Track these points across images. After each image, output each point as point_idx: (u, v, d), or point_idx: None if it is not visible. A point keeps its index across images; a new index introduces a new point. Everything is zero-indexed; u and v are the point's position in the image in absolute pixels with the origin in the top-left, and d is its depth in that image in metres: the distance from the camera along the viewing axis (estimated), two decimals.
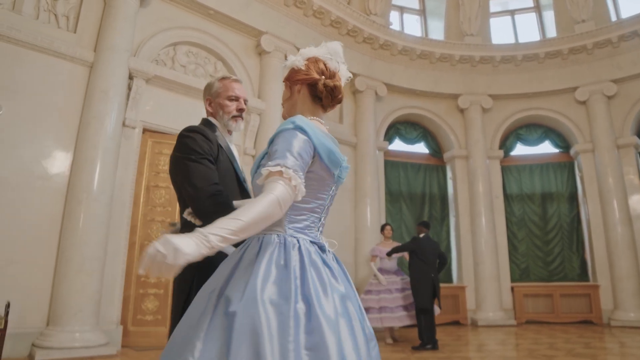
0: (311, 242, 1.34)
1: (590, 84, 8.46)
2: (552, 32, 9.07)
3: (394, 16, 9.13)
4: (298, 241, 1.31)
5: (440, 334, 6.23)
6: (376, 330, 6.03)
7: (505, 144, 9.18)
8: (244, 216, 1.15)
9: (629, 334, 6.71)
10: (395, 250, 6.05)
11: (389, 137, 8.87)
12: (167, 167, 5.78)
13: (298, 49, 7.03)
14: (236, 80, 1.97)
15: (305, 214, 1.37)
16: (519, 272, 8.68)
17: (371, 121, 8.20)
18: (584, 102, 8.61)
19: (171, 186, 5.68)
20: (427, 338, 5.45)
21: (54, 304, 4.49)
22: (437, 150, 9.37)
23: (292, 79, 1.51)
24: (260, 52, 6.84)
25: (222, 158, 1.75)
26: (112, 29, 5.14)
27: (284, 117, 1.51)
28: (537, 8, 9.51)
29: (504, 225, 8.72)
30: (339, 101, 1.52)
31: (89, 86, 5.03)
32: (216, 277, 1.30)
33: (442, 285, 5.99)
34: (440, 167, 9.33)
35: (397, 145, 9.11)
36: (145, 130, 5.62)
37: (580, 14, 8.45)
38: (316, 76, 1.47)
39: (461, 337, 6.63)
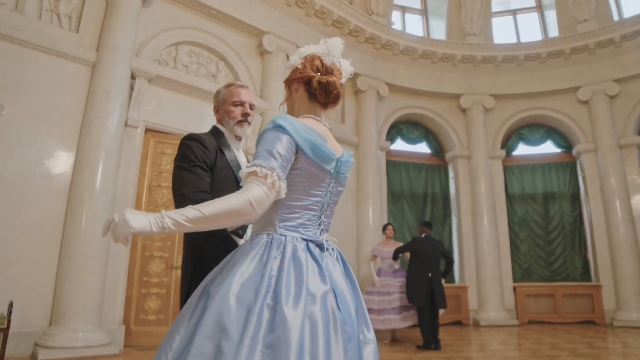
0: (304, 239, 1.33)
1: (592, 84, 8.45)
2: (554, 31, 9.06)
3: (395, 16, 9.12)
4: (285, 239, 1.31)
5: (443, 334, 6.23)
6: (378, 331, 6.03)
7: (507, 144, 9.17)
8: (205, 209, 1.19)
9: (631, 334, 6.70)
10: (397, 252, 6.04)
11: (390, 137, 8.87)
12: (169, 167, 5.82)
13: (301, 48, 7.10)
14: (241, 86, 2.00)
15: (297, 212, 1.36)
16: (521, 272, 8.67)
17: (373, 121, 8.20)
18: (586, 102, 8.59)
19: None
20: (426, 337, 5.44)
21: (57, 304, 4.49)
22: (439, 150, 9.36)
23: (290, 78, 1.53)
24: (262, 52, 6.84)
25: (221, 164, 1.78)
26: (114, 29, 5.14)
27: None
28: (539, 8, 9.50)
29: (506, 225, 8.71)
30: (336, 97, 1.49)
31: (92, 86, 5.04)
32: (209, 275, 1.35)
33: (444, 285, 5.94)
34: (442, 167, 9.32)
35: (399, 145, 9.11)
36: (147, 130, 5.63)
37: (583, 14, 8.44)
38: (311, 73, 1.47)
39: (463, 337, 6.62)
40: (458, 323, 8.01)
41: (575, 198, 8.86)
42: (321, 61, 1.48)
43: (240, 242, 1.70)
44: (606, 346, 5.85)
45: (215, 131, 1.93)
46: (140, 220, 1.15)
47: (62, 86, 4.90)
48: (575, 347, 5.55)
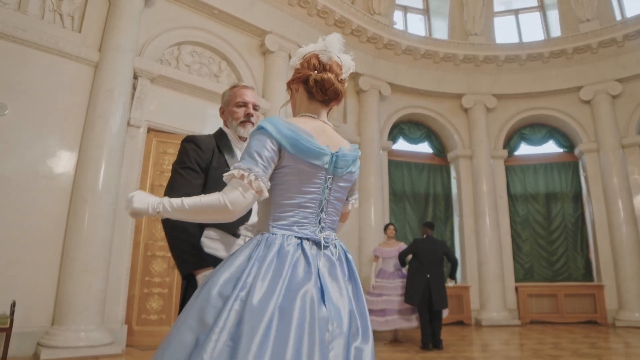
0: (297, 237, 1.33)
1: (594, 84, 8.43)
2: (556, 31, 9.05)
3: (397, 16, 9.11)
4: (276, 237, 1.32)
5: (444, 334, 6.21)
6: (379, 332, 5.98)
7: (509, 144, 9.16)
8: (187, 202, 1.29)
9: (634, 334, 6.69)
10: (401, 256, 6.02)
11: (392, 137, 8.86)
12: (171, 167, 5.80)
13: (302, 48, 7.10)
14: (245, 87, 2.02)
15: (291, 210, 1.36)
16: (523, 272, 8.65)
17: (375, 121, 8.19)
18: (588, 102, 8.58)
19: None
20: (424, 337, 5.43)
21: (59, 303, 4.50)
22: (440, 150, 9.35)
23: (290, 79, 1.55)
24: (265, 52, 6.84)
25: (217, 165, 1.80)
26: (117, 29, 5.15)
27: None
28: (541, 7, 9.48)
29: (508, 225, 8.71)
30: (335, 93, 1.48)
31: (94, 86, 5.04)
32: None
33: (454, 285, 5.90)
34: (444, 167, 9.31)
35: (401, 144, 9.10)
36: (149, 130, 5.63)
37: (585, 13, 8.42)
38: (308, 72, 1.47)
39: (465, 337, 6.62)
40: (460, 323, 8.00)
41: (577, 198, 8.84)
42: (318, 59, 1.48)
43: (238, 241, 1.75)
44: (609, 346, 5.84)
45: (219, 132, 1.97)
46: (141, 202, 1.31)
47: (65, 86, 4.91)
48: (578, 347, 5.54)
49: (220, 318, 1.16)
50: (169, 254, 5.47)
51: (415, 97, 8.96)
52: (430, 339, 5.43)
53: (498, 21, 9.45)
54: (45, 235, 4.59)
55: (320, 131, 1.44)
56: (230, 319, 1.15)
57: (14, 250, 4.38)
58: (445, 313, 5.78)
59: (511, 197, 8.97)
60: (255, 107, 1.98)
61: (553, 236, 8.77)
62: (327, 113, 1.54)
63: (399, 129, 9.06)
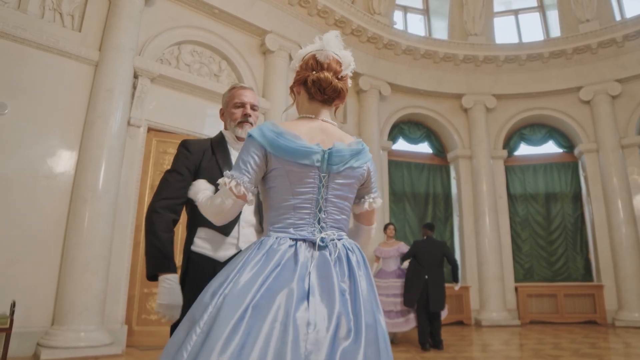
0: (292, 239, 1.32)
1: (594, 84, 8.44)
2: (555, 31, 9.06)
3: (397, 16, 9.11)
4: (269, 239, 1.33)
5: (445, 334, 6.21)
6: None
7: (509, 144, 9.17)
8: (200, 196, 1.55)
9: (633, 334, 6.70)
10: (403, 260, 6.02)
11: (392, 137, 8.86)
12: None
13: (302, 48, 7.10)
14: (243, 87, 2.02)
15: (286, 213, 1.36)
16: (523, 272, 8.66)
17: (375, 121, 8.19)
18: (588, 102, 8.59)
19: None
20: (421, 337, 5.43)
21: (59, 303, 4.48)
22: (440, 150, 9.36)
23: (292, 83, 1.54)
24: (265, 52, 6.83)
25: (207, 166, 1.83)
26: (117, 28, 5.13)
27: None
28: (541, 8, 9.49)
29: (508, 225, 8.71)
30: (334, 92, 1.46)
31: (94, 85, 5.02)
32: None
33: (446, 285, 5.87)
34: (444, 167, 9.31)
35: (401, 145, 9.10)
36: (149, 130, 5.62)
37: (585, 14, 8.43)
38: (306, 73, 1.47)
39: (465, 337, 6.62)
40: (460, 323, 8.00)
41: (577, 198, 8.85)
42: (315, 59, 1.47)
43: (228, 240, 1.78)
44: (609, 346, 5.85)
45: (218, 135, 2.00)
46: (193, 186, 1.66)
47: (65, 85, 4.89)
48: (578, 347, 5.55)
49: (205, 312, 1.20)
50: None
51: (415, 97, 8.96)
52: (428, 339, 5.43)
53: (498, 21, 9.46)
54: (45, 235, 4.57)
55: (318, 130, 1.42)
56: (212, 313, 1.18)
57: (14, 250, 4.37)
58: (444, 314, 5.76)
59: (511, 197, 8.98)
60: (253, 107, 1.98)
61: (553, 236, 8.78)
62: (334, 111, 1.53)
63: (398, 129, 9.06)
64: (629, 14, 8.37)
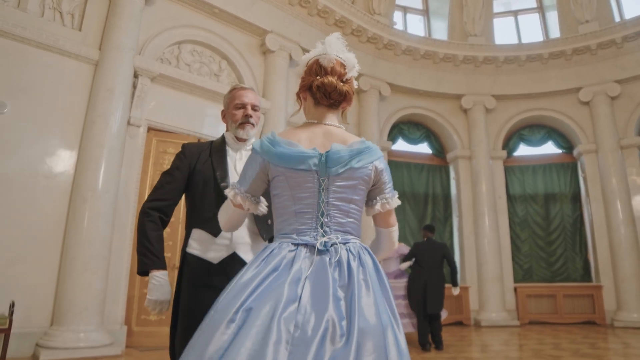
0: (294, 244, 1.33)
1: (593, 85, 8.46)
2: (555, 32, 9.07)
3: (397, 16, 9.11)
4: (272, 245, 1.37)
5: (444, 335, 6.21)
6: None
7: (509, 145, 9.18)
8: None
9: (632, 334, 6.71)
10: (404, 260, 6.00)
11: (392, 137, 8.86)
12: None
13: (302, 49, 7.12)
14: (243, 88, 2.00)
15: (289, 218, 1.38)
16: (522, 273, 8.67)
17: (375, 121, 8.18)
18: (587, 103, 8.61)
19: None
20: (420, 338, 5.42)
21: (59, 303, 4.46)
22: (440, 150, 9.36)
23: (298, 90, 1.54)
24: (265, 51, 6.81)
25: (201, 167, 1.86)
26: (117, 28, 5.11)
27: None
28: (541, 8, 9.51)
29: (507, 226, 8.72)
30: (339, 96, 1.45)
31: (94, 84, 5.00)
32: None
33: (445, 285, 5.86)
34: (444, 168, 9.31)
35: (400, 145, 9.10)
36: (149, 129, 5.60)
37: (584, 15, 8.45)
38: (311, 79, 1.47)
39: (465, 338, 6.62)
40: (459, 323, 8.00)
41: (576, 199, 8.87)
42: (318, 64, 1.46)
43: (217, 240, 1.80)
44: (609, 347, 5.86)
45: (221, 137, 2.01)
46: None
47: (65, 85, 4.87)
48: (578, 347, 5.55)
49: (207, 314, 1.26)
50: (169, 254, 5.48)
51: (415, 97, 8.96)
52: (428, 339, 5.42)
53: (497, 22, 9.47)
54: (44, 235, 4.55)
55: (321, 135, 1.42)
56: (210, 315, 1.24)
57: (13, 249, 4.34)
58: (444, 314, 5.76)
59: (510, 197, 8.99)
60: (254, 108, 1.97)
61: (552, 237, 8.80)
62: (342, 114, 1.53)
63: (398, 129, 9.06)
64: (628, 15, 8.39)
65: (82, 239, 4.55)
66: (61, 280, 4.52)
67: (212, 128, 6.07)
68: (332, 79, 1.43)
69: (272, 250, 1.34)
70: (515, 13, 9.66)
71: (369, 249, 1.41)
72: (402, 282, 5.96)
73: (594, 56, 8.46)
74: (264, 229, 1.85)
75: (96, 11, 5.20)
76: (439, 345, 5.44)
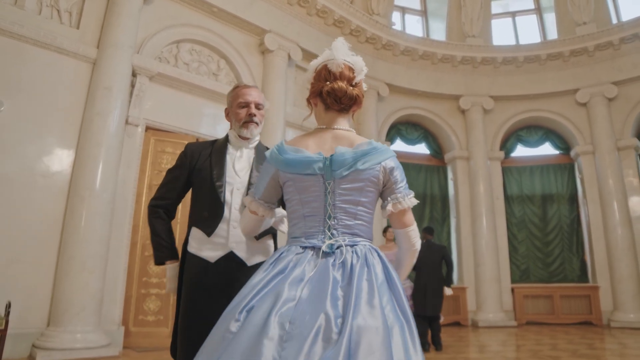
0: (302, 247, 1.37)
1: (591, 86, 8.49)
2: (552, 34, 9.11)
3: (395, 17, 9.11)
4: (282, 248, 1.41)
5: (442, 335, 6.18)
6: None
7: (506, 145, 9.20)
8: None
9: (629, 335, 6.74)
10: None
11: (390, 138, 8.86)
12: (169, 166, 5.74)
13: (301, 48, 7.11)
14: (247, 86, 1.99)
15: (298, 222, 1.43)
16: (519, 273, 8.69)
17: (373, 121, 8.18)
18: (584, 104, 8.64)
19: None
20: (421, 338, 5.40)
21: (55, 304, 4.41)
22: (438, 151, 9.37)
23: (308, 95, 1.56)
24: (264, 51, 6.79)
25: (200, 166, 1.88)
26: (115, 26, 5.07)
27: None
28: (538, 10, 9.55)
29: (505, 227, 8.74)
30: (349, 100, 1.47)
31: (92, 83, 4.96)
32: None
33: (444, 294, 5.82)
34: (441, 168, 9.32)
35: (398, 145, 9.09)
36: (147, 128, 5.56)
37: (582, 16, 8.49)
38: (320, 84, 1.48)
39: (463, 338, 6.62)
40: (457, 324, 8.01)
41: (573, 200, 8.90)
42: (327, 69, 1.47)
43: (211, 239, 1.83)
44: (606, 347, 5.88)
45: (225, 136, 2.00)
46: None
47: (63, 83, 4.83)
48: (576, 347, 5.56)
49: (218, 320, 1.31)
50: None
51: (413, 98, 8.97)
52: (427, 340, 5.42)
53: (495, 23, 9.49)
54: (41, 234, 4.51)
55: (330, 139, 1.44)
56: (222, 315, 1.30)
57: (9, 249, 4.29)
58: (441, 317, 5.75)
59: (507, 198, 9.01)
60: (258, 107, 1.95)
61: (549, 237, 8.82)
62: (352, 116, 1.54)
63: (396, 130, 9.06)
64: (625, 17, 8.44)
65: (79, 238, 4.51)
66: (58, 280, 4.48)
67: (211, 127, 6.04)
68: (341, 84, 1.45)
69: (281, 254, 1.38)
70: (513, 14, 9.69)
71: (379, 250, 1.41)
72: (406, 283, 5.94)
73: (591, 58, 8.49)
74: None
75: (94, 9, 5.16)
76: (438, 346, 5.44)
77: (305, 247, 1.36)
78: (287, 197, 1.46)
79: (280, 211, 1.74)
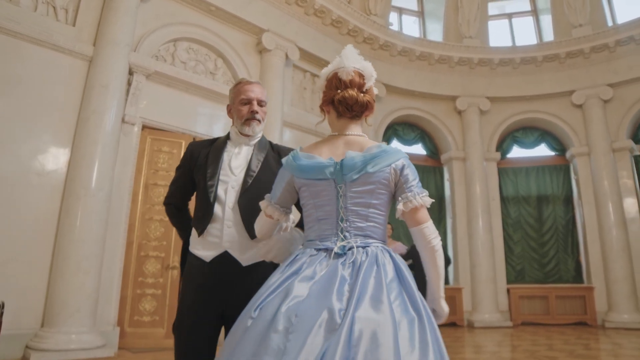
0: (316, 249, 1.42)
1: (586, 88, 8.54)
2: (549, 35, 9.15)
3: (392, 17, 9.11)
4: (298, 251, 1.47)
5: None
6: None
7: (502, 146, 9.23)
8: None
9: (624, 335, 6.78)
10: None
11: (386, 138, 8.86)
12: (165, 165, 5.71)
13: (299, 48, 7.08)
14: (249, 82, 1.94)
15: (313, 226, 1.49)
16: (515, 274, 8.72)
17: (370, 122, 8.14)
18: (580, 106, 8.69)
19: None
20: None
21: (50, 304, 4.35)
22: (434, 151, 9.38)
23: (320, 103, 1.62)
24: (261, 50, 6.76)
25: (200, 164, 1.87)
26: (112, 23, 5.02)
27: None
28: (535, 12, 9.59)
29: (500, 227, 8.77)
30: (361, 107, 1.52)
31: (88, 81, 4.90)
32: None
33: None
34: (438, 169, 9.34)
35: (395, 146, 9.06)
36: (144, 127, 5.50)
37: (578, 19, 8.53)
38: (332, 93, 1.54)
39: (459, 339, 6.63)
40: (453, 324, 8.02)
41: (568, 201, 8.95)
42: (337, 78, 1.53)
43: (204, 237, 1.83)
44: (602, 347, 5.90)
45: (227, 134, 1.97)
46: None
47: (58, 81, 4.76)
48: (572, 348, 5.59)
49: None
50: (163, 254, 5.40)
51: (410, 98, 8.97)
52: None
53: (492, 25, 9.52)
54: (35, 234, 4.44)
55: (342, 145, 1.50)
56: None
57: (3, 249, 4.23)
58: None
59: (503, 199, 9.04)
60: (260, 103, 1.91)
61: (544, 238, 8.86)
62: (365, 120, 1.60)
63: (393, 130, 9.06)
64: (621, 20, 8.49)
65: (74, 237, 4.46)
66: (52, 280, 4.42)
67: (207, 127, 6.01)
68: (352, 92, 1.51)
69: (297, 256, 1.44)
70: (509, 16, 9.72)
71: (391, 251, 1.44)
72: None
73: (587, 60, 8.54)
74: (252, 229, 1.80)
75: (91, 6, 5.10)
76: None
77: (319, 249, 1.42)
78: (302, 202, 1.53)
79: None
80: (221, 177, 1.81)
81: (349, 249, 1.38)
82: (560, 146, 9.13)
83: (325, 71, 1.60)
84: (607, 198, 8.04)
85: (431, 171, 9.28)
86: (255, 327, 1.25)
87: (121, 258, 5.07)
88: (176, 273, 5.36)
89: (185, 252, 1.87)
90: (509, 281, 8.55)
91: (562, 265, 8.70)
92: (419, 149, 9.35)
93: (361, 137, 1.55)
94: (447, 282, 8.51)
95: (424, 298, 1.30)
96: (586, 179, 8.49)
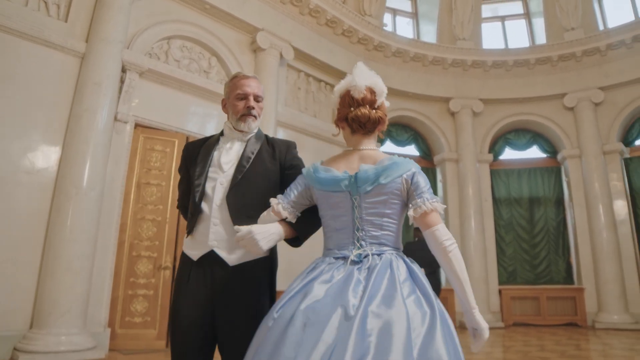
0: (335, 257, 1.50)
1: (578, 91, 8.63)
2: (541, 39, 9.23)
3: (386, 18, 9.12)
4: (317, 259, 1.55)
5: None
6: None
7: (495, 148, 9.29)
8: None
9: (613, 335, 6.85)
10: None
11: (379, 139, 8.85)
12: (158, 164, 5.65)
13: (293, 47, 7.05)
14: (245, 77, 1.87)
15: (331, 235, 1.58)
16: (506, 275, 8.78)
17: None
18: (571, 109, 8.77)
19: (163, 184, 5.45)
20: None
21: (39, 305, 4.27)
22: (427, 152, 9.41)
23: (335, 119, 1.71)
24: (255, 49, 6.72)
25: (194, 162, 1.84)
26: (105, 20, 4.95)
27: None
28: (527, 15, 9.67)
29: (493, 229, 8.82)
30: (373, 124, 1.59)
31: (80, 78, 4.82)
32: None
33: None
34: (430, 170, 9.36)
35: (388, 147, 9.10)
36: (137, 125, 5.43)
37: (570, 22, 8.62)
38: (345, 110, 1.63)
39: None
40: None
41: (559, 203, 9.03)
42: (350, 96, 1.61)
43: (194, 237, 1.80)
44: (593, 348, 5.95)
45: (221, 130, 1.93)
46: None
47: (50, 77, 4.68)
48: (564, 349, 5.63)
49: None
50: (155, 255, 5.33)
51: (404, 99, 8.98)
52: None
53: (485, 27, 9.58)
54: (25, 233, 4.35)
55: (357, 160, 1.59)
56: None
57: None
58: None
59: (495, 200, 9.09)
60: (257, 99, 1.84)
61: (536, 240, 8.93)
62: (378, 134, 1.68)
63: (386, 131, 9.02)
64: (612, 24, 8.59)
65: (65, 237, 4.37)
66: (42, 280, 4.33)
67: (201, 126, 5.95)
68: (364, 111, 1.59)
69: (316, 264, 1.53)
70: (502, 18, 9.80)
71: (405, 257, 1.53)
72: None
73: (579, 63, 8.63)
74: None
75: (83, 2, 5.02)
76: None
77: (337, 257, 1.51)
78: (321, 213, 1.63)
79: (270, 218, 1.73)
80: (210, 174, 1.76)
81: (365, 256, 1.47)
82: (551, 148, 9.21)
83: (339, 88, 1.67)
84: (597, 200, 8.13)
85: (424, 172, 9.24)
86: (276, 326, 1.34)
87: (112, 258, 4.99)
88: (168, 273, 5.29)
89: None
90: (500, 282, 8.60)
91: (553, 266, 8.78)
92: (412, 150, 9.37)
93: (374, 150, 1.63)
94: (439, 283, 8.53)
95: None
96: (577, 181, 8.58)
